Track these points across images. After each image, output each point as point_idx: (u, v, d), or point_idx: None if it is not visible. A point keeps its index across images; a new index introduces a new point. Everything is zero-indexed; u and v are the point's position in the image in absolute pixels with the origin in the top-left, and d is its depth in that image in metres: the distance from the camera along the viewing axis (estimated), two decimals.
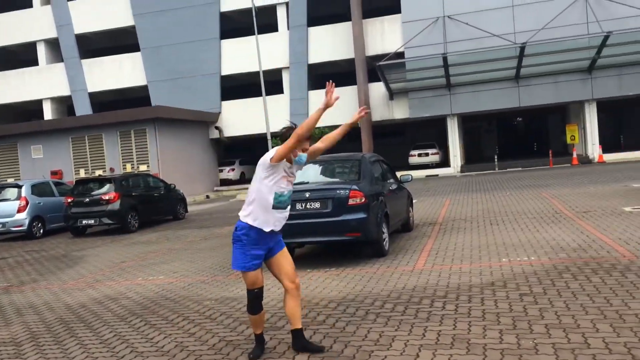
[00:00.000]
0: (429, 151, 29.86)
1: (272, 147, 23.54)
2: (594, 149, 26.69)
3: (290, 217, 7.88)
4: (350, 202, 7.75)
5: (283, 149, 4.14)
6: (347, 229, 7.78)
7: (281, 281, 4.44)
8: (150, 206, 15.90)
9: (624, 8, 24.59)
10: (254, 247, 4.28)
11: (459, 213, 12.42)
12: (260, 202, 4.24)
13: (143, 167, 26.27)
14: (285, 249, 4.48)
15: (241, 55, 30.40)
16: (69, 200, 14.73)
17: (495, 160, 27.75)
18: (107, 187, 14.77)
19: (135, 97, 33.31)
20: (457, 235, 9.49)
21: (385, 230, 8.38)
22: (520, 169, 26.85)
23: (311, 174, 8.93)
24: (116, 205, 14.43)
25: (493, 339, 4.38)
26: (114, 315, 6.27)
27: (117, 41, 34.11)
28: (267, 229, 4.26)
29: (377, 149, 30.80)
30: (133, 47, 32.44)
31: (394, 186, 9.76)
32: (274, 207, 4.26)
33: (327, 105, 4.17)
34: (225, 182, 32.25)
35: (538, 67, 26.12)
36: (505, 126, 39.77)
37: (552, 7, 25.74)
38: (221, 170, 32.52)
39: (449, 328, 4.72)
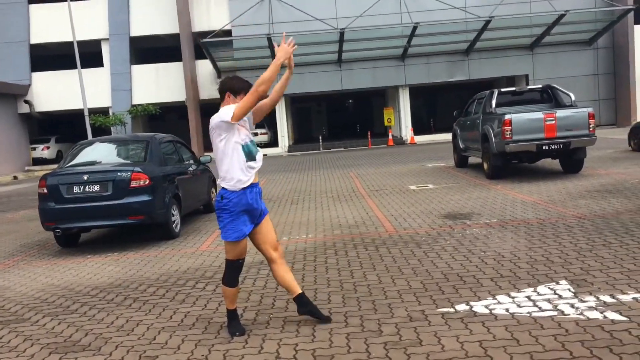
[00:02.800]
0: (258, 131, 30.07)
1: (91, 123, 21.82)
2: (407, 131, 28.92)
3: (69, 200, 7.53)
4: (133, 184, 7.54)
5: (242, 106, 3.86)
6: (129, 212, 7.57)
7: (264, 251, 4.25)
8: None
9: (432, 2, 26.76)
10: (244, 212, 4.04)
11: (266, 193, 12.71)
12: (232, 163, 4.00)
13: None
14: (267, 216, 4.27)
15: (54, 23, 27.94)
16: None
17: (320, 140, 28.85)
18: None
19: None
20: None
21: (175, 212, 8.30)
22: (342, 149, 28.25)
23: (97, 154, 8.55)
24: None
25: None
26: None
27: None
28: (247, 185, 4.04)
29: (207, 127, 30.36)
30: None
31: (192, 167, 9.69)
32: (248, 160, 4.05)
33: (285, 54, 3.96)
34: (39, 162, 29.66)
35: (358, 53, 27.50)
36: (335, 108, 41.49)
37: None
38: (34, 149, 29.85)
39: (199, 309, 4.83)
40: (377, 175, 14.70)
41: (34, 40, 28.63)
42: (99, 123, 26.43)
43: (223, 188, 4.07)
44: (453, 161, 15.45)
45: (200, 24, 28.46)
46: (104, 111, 28.53)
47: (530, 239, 6.26)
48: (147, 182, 7.61)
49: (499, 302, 4.34)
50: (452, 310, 4.28)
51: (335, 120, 41.06)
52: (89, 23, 28.00)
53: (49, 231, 7.93)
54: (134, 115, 27.86)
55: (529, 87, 12.88)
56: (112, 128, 27.60)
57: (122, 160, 8.34)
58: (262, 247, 4.27)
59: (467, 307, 4.30)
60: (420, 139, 28.52)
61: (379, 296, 4.76)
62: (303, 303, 4.25)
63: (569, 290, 4.48)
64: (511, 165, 12.24)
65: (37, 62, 29.12)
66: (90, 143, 8.95)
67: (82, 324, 4.68)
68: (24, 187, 20.53)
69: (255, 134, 29.61)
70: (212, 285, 5.49)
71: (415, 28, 25.29)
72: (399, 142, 28.74)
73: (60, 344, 4.24)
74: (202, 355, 3.81)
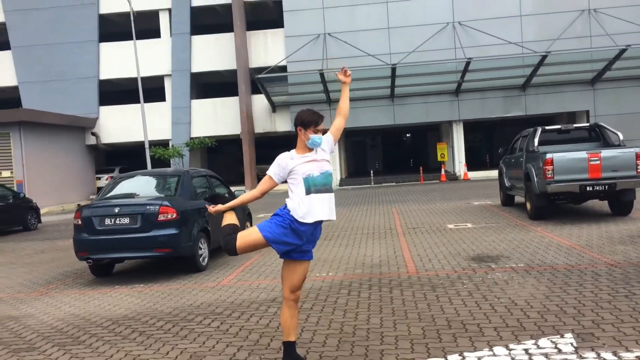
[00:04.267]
0: None
1: (151, 155, 22.74)
2: (460, 167, 28.43)
3: (101, 232, 7.85)
4: (161, 217, 7.79)
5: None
6: (156, 244, 7.81)
7: (283, 286, 4.23)
8: None
9: (487, 37, 26.51)
10: (293, 232, 4.02)
11: None
12: (295, 194, 4.05)
13: (6, 174, 24.75)
14: (308, 263, 4.26)
15: (122, 60, 29.48)
16: None
17: (371, 175, 28.81)
18: None
19: (6, 98, 31.34)
20: None
21: (203, 246, 8.48)
22: (394, 184, 28.07)
23: (132, 187, 8.91)
24: None
25: (227, 355, 4.58)
26: None
27: None
28: (309, 220, 4.02)
29: (261, 159, 31.03)
30: (4, 45, 30.55)
31: None
32: (307, 192, 4.01)
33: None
34: None
35: (410, 88, 27.51)
36: (389, 142, 41.42)
37: (424, 32, 27.22)
38: (99, 178, 31.27)
39: (196, 346, 4.88)
40: (419, 212, 14.49)
41: (102, 76, 30.30)
42: (159, 155, 27.52)
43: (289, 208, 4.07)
44: (500, 199, 15.05)
45: (257, 60, 29.35)
46: (164, 143, 29.70)
47: (551, 287, 5.98)
48: (174, 216, 7.83)
49: (494, 355, 4.16)
50: None
51: (390, 154, 40.94)
52: (153, 60, 29.44)
53: (82, 261, 8.28)
54: (191, 148, 28.84)
55: (575, 125, 12.46)
56: (171, 160, 28.66)
57: (154, 194, 8.64)
58: (283, 282, 4.25)
59: (459, 358, 4.14)
60: (474, 174, 27.95)
61: (375, 341, 4.66)
62: (290, 352, 4.21)
63: (572, 344, 4.24)
64: (556, 205, 11.79)
65: (104, 96, 30.77)
66: (128, 176, 9.34)
67: (85, 355, 4.83)
68: None
69: None
70: (218, 322, 5.55)
71: (468, 63, 25.09)
72: (452, 177, 28.28)
73: None
74: None
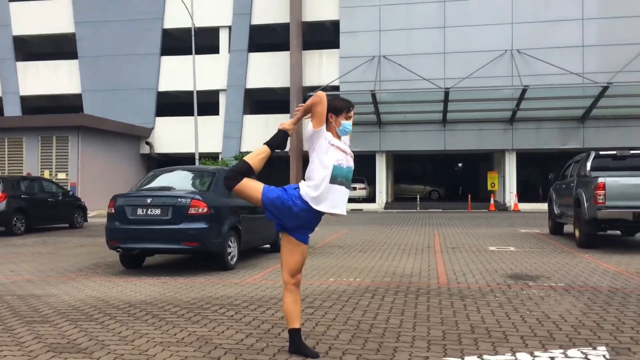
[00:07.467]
0: (357, 185, 30.16)
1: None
2: (511, 197, 27.57)
3: (132, 221, 7.88)
4: (191, 211, 7.76)
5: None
6: (185, 237, 7.77)
7: (282, 270, 4.03)
8: (42, 211, 15.45)
9: (546, 66, 25.83)
10: (287, 217, 3.87)
11: (342, 241, 12.55)
12: (317, 180, 3.82)
13: (62, 176, 25.66)
14: (304, 247, 4.02)
15: (181, 73, 30.27)
16: None
17: (417, 200, 28.30)
18: None
19: (69, 105, 32.62)
20: (317, 258, 9.56)
21: (232, 244, 8.39)
22: (440, 210, 27.45)
23: (168, 181, 8.96)
24: (1, 206, 14.00)
25: (234, 340, 4.41)
26: None
27: (57, 47, 33.64)
28: (323, 209, 3.82)
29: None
30: (73, 54, 32.00)
31: None
32: (333, 180, 3.81)
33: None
34: None
35: (463, 114, 27.03)
36: (441, 168, 40.74)
37: (481, 58, 26.74)
38: None
39: (205, 330, 4.74)
40: (461, 235, 14.01)
41: (161, 88, 31.22)
42: None
43: (300, 188, 3.89)
44: (548, 228, 14.40)
45: (311, 79, 29.57)
46: (214, 156, 30.17)
47: (590, 305, 5.54)
48: (204, 210, 7.79)
49: (516, 359, 3.83)
50: None
51: (439, 180, 40.21)
52: (210, 75, 30.10)
53: (112, 250, 8.32)
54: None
55: (632, 151, 11.79)
56: None
57: (188, 188, 8.64)
58: (282, 265, 4.03)
59: None
60: (525, 206, 27.02)
61: (390, 339, 4.39)
62: (295, 340, 4.03)
63: (604, 357, 3.85)
64: (606, 236, 11.15)
65: (161, 107, 31.64)
66: (166, 170, 9.42)
67: (93, 330, 4.76)
68: None
69: (354, 189, 29.78)
70: (232, 312, 5.40)
71: (525, 91, 24.46)
72: (502, 207, 27.42)
73: (61, 345, 4.33)
74: None
